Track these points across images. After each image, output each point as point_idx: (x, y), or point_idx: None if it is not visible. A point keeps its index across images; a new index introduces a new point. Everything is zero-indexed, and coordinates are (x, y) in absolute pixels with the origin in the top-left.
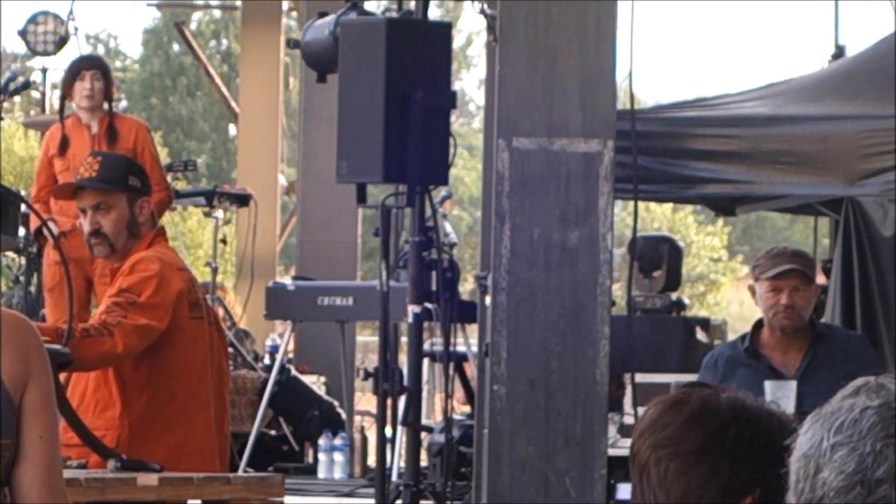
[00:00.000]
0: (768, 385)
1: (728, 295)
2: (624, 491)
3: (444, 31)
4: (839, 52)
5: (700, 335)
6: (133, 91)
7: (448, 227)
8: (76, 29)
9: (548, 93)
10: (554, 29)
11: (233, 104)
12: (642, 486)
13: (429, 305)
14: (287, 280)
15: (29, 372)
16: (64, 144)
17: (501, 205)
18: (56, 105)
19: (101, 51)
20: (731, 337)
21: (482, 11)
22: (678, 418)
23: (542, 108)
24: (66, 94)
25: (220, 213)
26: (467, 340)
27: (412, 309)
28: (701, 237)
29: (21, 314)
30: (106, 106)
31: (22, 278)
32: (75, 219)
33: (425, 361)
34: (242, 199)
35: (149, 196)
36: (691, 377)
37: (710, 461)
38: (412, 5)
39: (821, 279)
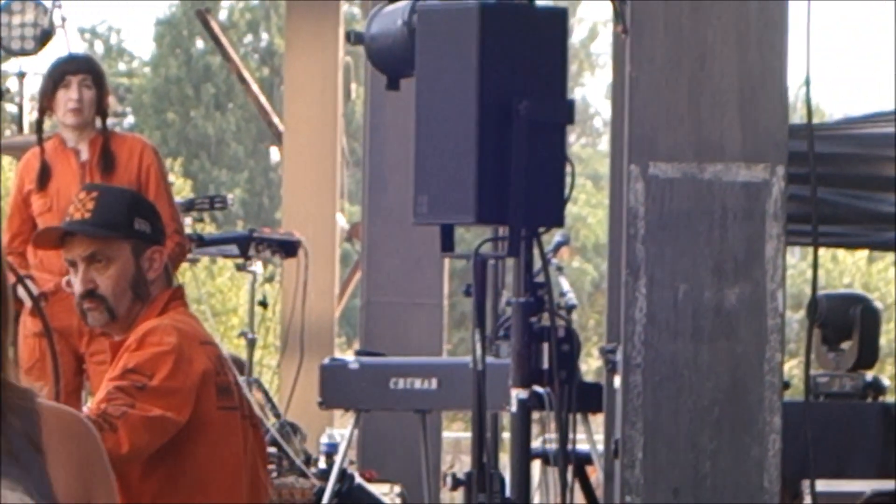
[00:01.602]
0: None
1: None
2: None
3: (558, 19)
4: None
5: None
6: (143, 103)
7: (565, 284)
8: (64, 19)
9: (696, 102)
10: (704, 16)
11: (275, 120)
12: None
13: (539, 389)
14: (349, 356)
15: (90, 490)
16: (44, 175)
17: (634, 253)
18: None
19: (99, 49)
20: None
21: None
22: None
23: (688, 122)
24: (47, 108)
25: (258, 267)
26: (591, 436)
27: (516, 394)
28: None
29: (75, 411)
30: (99, 123)
31: None
32: (61, 276)
33: (535, 464)
34: (289, 248)
35: (161, 245)
36: (890, 485)
37: None
38: None
39: None
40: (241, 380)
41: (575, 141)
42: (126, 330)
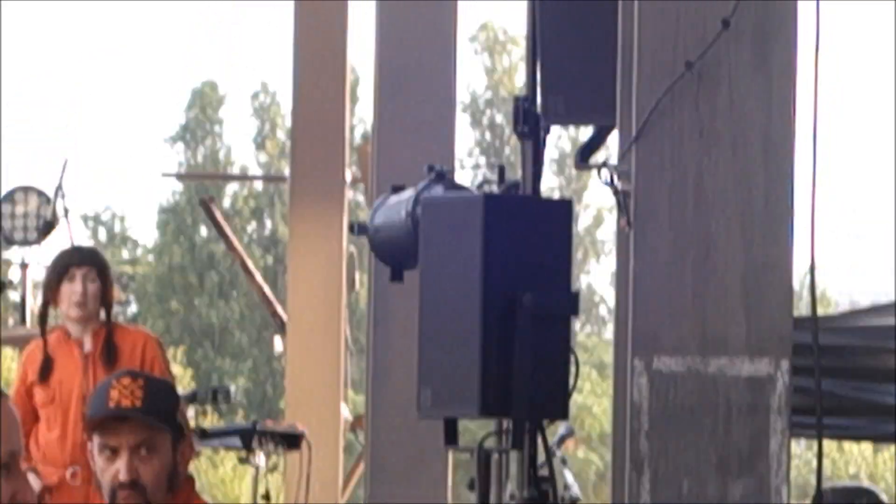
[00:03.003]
0: None
1: None
2: None
3: (562, 210)
4: None
5: None
6: (146, 291)
7: (569, 477)
8: (67, 210)
9: (700, 294)
10: (708, 207)
11: (279, 309)
12: None
13: None
14: None
15: None
16: (47, 367)
17: (638, 448)
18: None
19: (102, 236)
20: None
21: (610, 183)
22: None
23: (692, 314)
24: (50, 300)
25: (261, 459)
26: None
27: None
28: None
29: None
30: (103, 315)
31: None
32: (64, 468)
33: None
34: (292, 440)
35: (191, 437)
36: None
37: None
38: (518, 174)
39: None
40: None
41: (580, 329)
42: None
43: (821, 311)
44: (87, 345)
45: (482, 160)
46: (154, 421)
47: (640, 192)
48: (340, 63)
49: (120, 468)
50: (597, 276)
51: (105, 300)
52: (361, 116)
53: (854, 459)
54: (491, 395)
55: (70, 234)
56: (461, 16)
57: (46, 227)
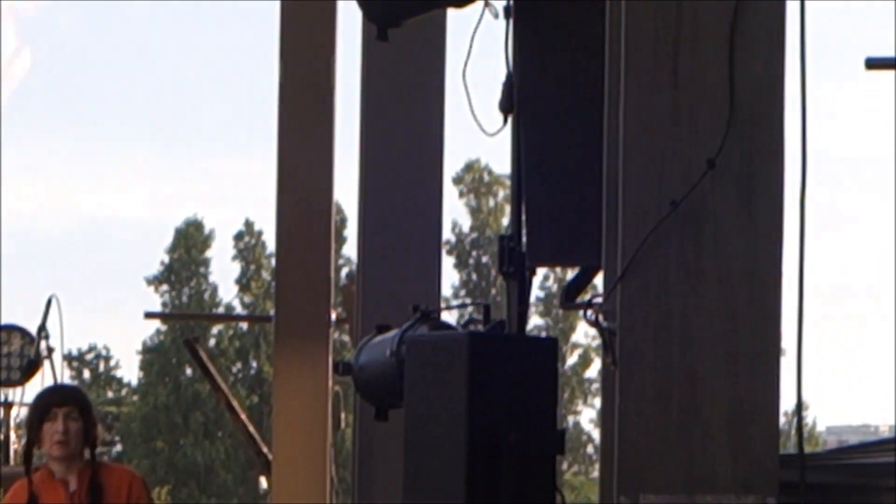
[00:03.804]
0: None
1: None
2: None
3: (548, 348)
4: None
5: None
6: (131, 431)
7: None
8: (50, 349)
9: (686, 432)
10: (693, 345)
11: (264, 449)
12: None
13: None
14: None
15: None
16: None
17: None
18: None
19: (87, 376)
20: None
21: (595, 322)
22: None
23: (677, 452)
24: (34, 440)
25: None
26: None
27: None
28: None
29: None
30: (87, 454)
31: None
32: None
33: None
34: None
35: None
36: None
37: None
38: (504, 314)
39: None
40: None
41: (567, 469)
42: None
43: (808, 450)
44: (73, 484)
45: (468, 301)
46: None
47: (626, 331)
48: (326, 202)
49: None
50: (584, 415)
51: (88, 439)
52: (347, 257)
53: None
54: None
55: (54, 374)
56: (447, 155)
57: (30, 367)
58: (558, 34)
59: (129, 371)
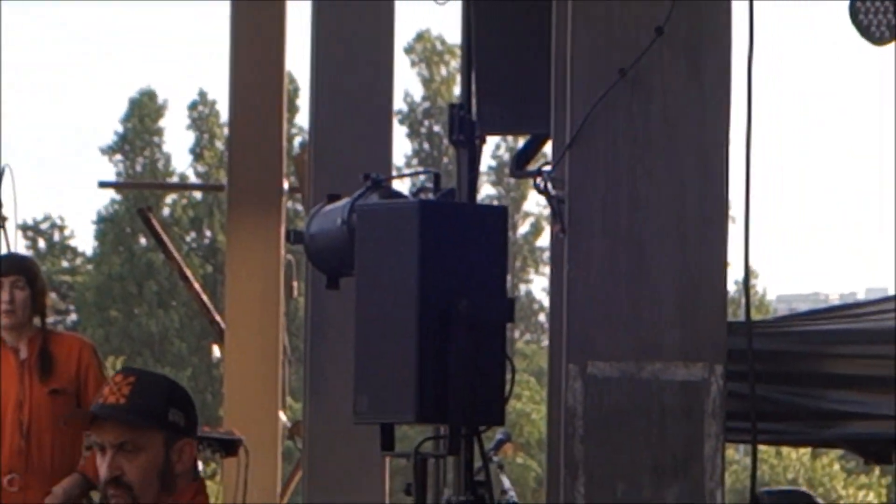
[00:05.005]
0: None
1: None
2: None
3: (497, 216)
4: None
5: None
6: (86, 300)
7: (506, 482)
8: (4, 218)
9: (634, 300)
10: (642, 213)
11: (217, 317)
12: None
13: None
14: None
15: None
16: None
17: (573, 452)
18: None
19: (42, 245)
20: None
21: (544, 190)
22: None
23: (626, 321)
24: None
25: (199, 466)
26: None
27: None
28: (851, 491)
29: None
30: (38, 321)
31: None
32: (1, 475)
33: None
34: (229, 446)
35: (193, 438)
36: None
37: None
38: (455, 182)
39: None
40: None
41: (519, 337)
42: None
43: (758, 318)
44: (23, 352)
45: (420, 170)
46: (137, 419)
47: (575, 199)
48: (278, 72)
49: (104, 465)
50: (535, 284)
51: (37, 307)
52: (301, 126)
53: (793, 465)
54: (427, 402)
55: (7, 244)
56: (398, 25)
57: None
58: None
59: (84, 241)
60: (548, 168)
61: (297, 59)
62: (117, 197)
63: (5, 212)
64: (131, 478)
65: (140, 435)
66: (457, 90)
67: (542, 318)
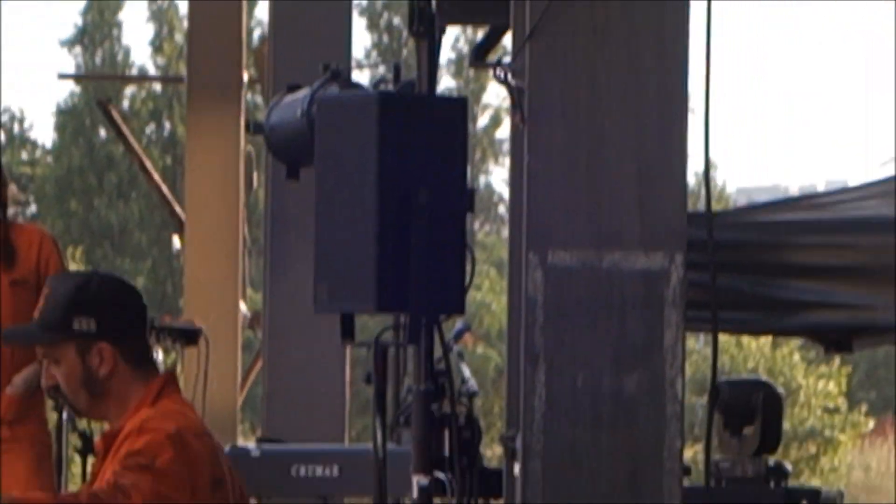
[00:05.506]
0: None
1: (848, 457)
2: None
3: (457, 107)
4: None
5: None
6: (45, 192)
7: (466, 371)
8: None
9: (594, 189)
10: (602, 103)
11: (177, 209)
12: None
13: (440, 475)
14: (251, 443)
15: None
16: None
17: (533, 341)
18: None
19: (2, 138)
20: None
21: (504, 80)
22: None
23: (586, 210)
24: None
25: (159, 355)
26: None
27: (418, 480)
28: (811, 381)
29: None
30: None
31: None
32: None
33: None
34: (189, 336)
35: (109, 339)
36: None
37: None
38: (415, 74)
39: None
40: None
41: (479, 228)
42: (119, 418)
43: (718, 209)
44: None
45: (380, 62)
46: (43, 336)
47: (534, 89)
48: None
49: (43, 374)
50: (495, 175)
51: None
52: (260, 19)
53: (753, 355)
54: (387, 290)
55: None
56: None
57: None
58: None
59: (44, 133)
60: (508, 59)
61: None
62: (77, 89)
63: None
64: (63, 386)
65: (53, 349)
66: None
67: (501, 209)
